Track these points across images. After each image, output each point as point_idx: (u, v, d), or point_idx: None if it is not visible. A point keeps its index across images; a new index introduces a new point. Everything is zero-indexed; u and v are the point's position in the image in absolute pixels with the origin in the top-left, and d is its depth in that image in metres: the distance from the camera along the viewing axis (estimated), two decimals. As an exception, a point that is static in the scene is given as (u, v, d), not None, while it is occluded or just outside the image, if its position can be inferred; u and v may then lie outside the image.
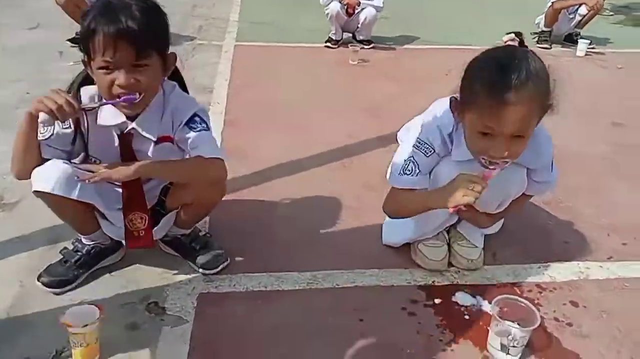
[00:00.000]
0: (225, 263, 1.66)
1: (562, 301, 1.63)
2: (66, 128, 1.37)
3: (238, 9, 5.63)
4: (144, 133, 1.42)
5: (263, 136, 2.65)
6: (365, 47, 4.28)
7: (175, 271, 1.66)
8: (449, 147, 1.53)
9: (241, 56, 4.00)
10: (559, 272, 1.77)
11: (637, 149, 2.76)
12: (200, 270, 1.64)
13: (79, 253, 1.57)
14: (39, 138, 1.34)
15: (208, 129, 1.47)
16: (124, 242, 1.57)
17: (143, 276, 1.63)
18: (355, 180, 2.28)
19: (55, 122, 1.36)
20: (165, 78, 1.46)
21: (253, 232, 1.88)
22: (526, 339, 1.37)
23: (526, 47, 1.42)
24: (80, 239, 1.60)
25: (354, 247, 1.83)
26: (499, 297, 1.43)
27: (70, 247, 1.61)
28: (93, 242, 1.59)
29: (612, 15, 6.40)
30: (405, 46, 4.58)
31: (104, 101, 1.33)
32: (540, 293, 1.66)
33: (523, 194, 1.68)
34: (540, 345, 1.46)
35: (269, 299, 1.57)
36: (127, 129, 1.42)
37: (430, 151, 1.53)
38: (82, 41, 1.29)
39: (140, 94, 1.31)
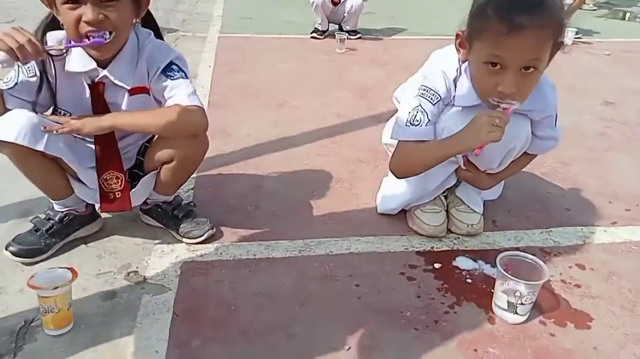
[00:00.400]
0: (211, 231, 1.55)
1: (568, 264, 1.55)
2: (31, 76, 1.26)
3: (222, 6, 5.54)
4: (117, 81, 1.31)
5: (248, 116, 2.54)
6: (352, 37, 4.22)
7: (157, 241, 1.55)
8: (452, 94, 1.44)
9: (225, 46, 3.90)
10: (563, 236, 1.69)
11: (630, 125, 2.71)
12: (184, 239, 1.53)
13: (52, 221, 1.45)
14: (1, 87, 1.23)
15: (186, 77, 1.36)
16: (97, 205, 1.45)
17: (122, 247, 1.52)
18: (346, 154, 2.19)
19: (19, 69, 1.25)
20: (140, 25, 1.36)
21: (239, 205, 1.77)
22: (534, 296, 1.28)
23: None
24: (53, 207, 1.48)
25: (348, 216, 1.73)
26: (502, 254, 1.33)
27: (42, 216, 1.48)
28: (66, 209, 1.47)
29: (595, 10, 6.46)
30: (392, 37, 4.53)
31: (71, 42, 1.21)
32: (545, 256, 1.57)
33: (525, 153, 1.60)
34: (548, 306, 1.37)
35: (259, 266, 1.47)
36: (99, 78, 1.31)
37: (437, 98, 1.44)
38: None
39: (110, 34, 1.20)
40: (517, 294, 1.27)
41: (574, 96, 3.03)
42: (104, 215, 1.61)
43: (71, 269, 1.20)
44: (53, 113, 1.33)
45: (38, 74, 1.26)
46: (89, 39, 1.19)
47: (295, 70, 3.41)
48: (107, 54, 1.27)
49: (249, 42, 4.08)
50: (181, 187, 1.62)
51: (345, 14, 4.20)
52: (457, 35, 1.38)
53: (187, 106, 1.31)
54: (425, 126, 1.46)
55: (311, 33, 4.29)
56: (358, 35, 4.31)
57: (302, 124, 2.49)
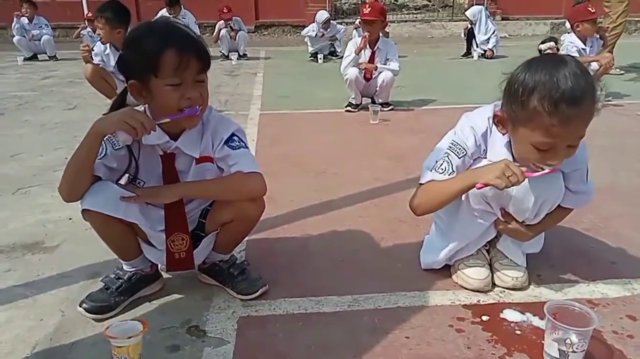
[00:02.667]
0: (264, 288, 1.64)
1: (619, 315, 1.55)
2: (118, 149, 1.44)
3: (261, 87, 5.96)
4: (187, 151, 1.49)
5: (291, 183, 2.70)
6: (385, 109, 4.44)
7: (214, 298, 1.65)
8: (482, 148, 1.56)
9: (266, 122, 4.18)
10: (610, 288, 1.69)
11: (670, 180, 2.71)
12: (239, 296, 1.63)
13: (120, 280, 1.58)
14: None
15: (246, 146, 1.53)
16: (164, 265, 1.58)
17: (182, 304, 1.62)
18: (386, 215, 2.28)
19: (107, 143, 1.44)
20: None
21: (288, 264, 1.87)
22: (586, 344, 1.29)
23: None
24: (122, 267, 1.62)
25: (393, 273, 1.80)
26: (550, 302, 1.36)
27: (112, 275, 1.62)
28: (134, 269, 1.60)
29: (622, 74, 6.57)
30: (423, 107, 4.73)
31: (170, 116, 1.39)
32: (593, 308, 1.58)
33: (560, 206, 1.66)
34: (601, 356, 1.37)
35: (310, 320, 1.53)
36: (171, 149, 1.48)
37: (463, 152, 1.56)
38: (143, 61, 1.36)
39: (199, 107, 1.40)
40: (568, 342, 1.28)
41: (610, 154, 3.08)
42: (165, 275, 1.73)
43: (142, 321, 1.31)
44: (129, 182, 1.50)
45: (125, 147, 1.44)
46: (183, 112, 1.38)
47: (333, 141, 3.60)
48: (196, 124, 1.46)
49: (287, 118, 4.36)
50: (235, 248, 1.74)
51: (377, 88, 4.46)
52: (496, 116, 1.50)
53: (247, 172, 1.47)
54: (448, 175, 1.58)
55: (345, 107, 4.55)
56: (390, 107, 4.54)
57: (342, 188, 2.62)
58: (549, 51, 1.40)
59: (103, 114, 1.44)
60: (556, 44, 1.45)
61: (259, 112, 4.59)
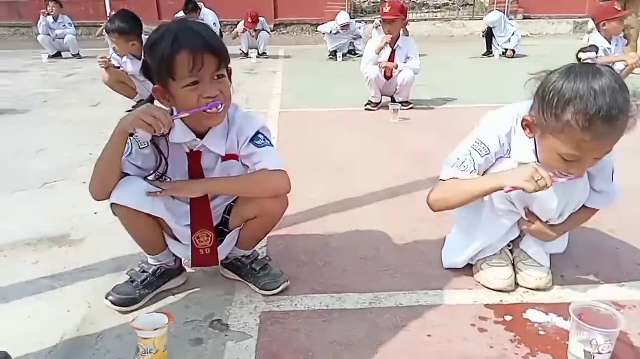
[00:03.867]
0: (286, 284, 1.65)
1: (645, 318, 1.52)
2: (143, 148, 1.46)
3: (280, 85, 5.98)
4: (212, 149, 1.50)
5: (312, 180, 2.71)
6: (405, 108, 4.42)
7: (237, 293, 1.66)
8: (506, 148, 1.54)
9: (286, 120, 4.20)
10: (636, 290, 1.66)
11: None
12: (261, 291, 1.64)
13: (146, 274, 1.61)
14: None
15: (271, 144, 1.54)
16: (190, 260, 1.61)
17: (205, 298, 1.64)
18: (408, 214, 2.27)
19: (132, 142, 1.46)
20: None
21: (309, 261, 1.88)
22: (612, 346, 1.27)
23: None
24: (147, 261, 1.64)
25: (415, 271, 1.79)
26: (575, 303, 1.35)
27: (137, 269, 1.65)
28: (159, 263, 1.63)
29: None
30: (443, 106, 4.70)
31: (191, 110, 1.39)
32: (619, 310, 1.55)
33: (584, 206, 1.64)
34: (628, 359, 1.35)
35: (332, 317, 1.54)
36: (198, 147, 1.50)
37: (486, 152, 1.55)
38: (161, 66, 1.36)
39: (222, 105, 1.41)
40: (594, 343, 1.27)
41: (637, 155, 3.01)
42: (188, 269, 1.75)
43: (168, 314, 1.33)
44: (157, 178, 1.53)
45: (150, 146, 1.46)
46: (202, 107, 1.38)
47: (353, 139, 3.60)
48: (219, 122, 1.46)
49: (307, 116, 4.37)
50: (258, 244, 1.75)
51: (398, 87, 4.44)
52: (525, 120, 1.48)
53: (272, 170, 1.48)
54: (470, 173, 1.57)
55: (365, 106, 4.54)
56: (410, 106, 4.52)
57: (362, 187, 2.61)
58: (588, 61, 1.34)
59: (126, 112, 1.46)
60: (597, 53, 1.38)
61: (279, 110, 4.61)
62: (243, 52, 8.52)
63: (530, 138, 1.51)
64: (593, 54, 1.36)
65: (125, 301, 1.55)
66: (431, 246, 1.96)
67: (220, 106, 1.41)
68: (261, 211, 1.54)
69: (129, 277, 1.62)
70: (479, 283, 1.70)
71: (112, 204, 1.45)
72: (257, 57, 8.29)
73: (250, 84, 6.00)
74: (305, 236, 2.08)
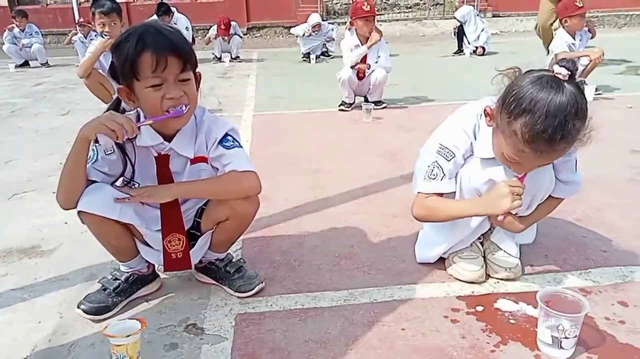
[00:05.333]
0: (261, 285, 1.66)
1: (610, 302, 1.57)
2: (109, 154, 1.45)
3: (254, 88, 5.97)
4: (181, 152, 1.49)
5: (286, 182, 2.72)
6: (378, 107, 4.46)
7: (212, 297, 1.66)
8: (472, 145, 1.58)
9: (259, 122, 4.20)
10: (602, 276, 1.72)
11: (660, 170, 2.75)
12: (236, 293, 1.64)
13: (118, 281, 1.59)
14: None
15: (240, 146, 1.54)
16: (162, 265, 1.59)
17: (180, 303, 1.63)
18: (381, 211, 2.30)
19: (97, 149, 1.45)
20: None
21: (284, 261, 1.88)
22: (577, 330, 1.31)
23: (574, 78, 1.36)
24: (119, 268, 1.63)
25: (388, 267, 1.81)
26: (542, 290, 1.39)
27: (109, 276, 1.63)
28: (131, 270, 1.61)
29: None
30: (416, 105, 4.76)
31: (154, 117, 1.40)
32: (586, 296, 1.60)
33: (551, 196, 1.68)
34: (594, 342, 1.39)
35: (307, 315, 1.55)
36: (165, 150, 1.49)
37: (451, 155, 1.59)
38: (125, 66, 1.36)
39: (186, 106, 1.40)
40: (560, 328, 1.31)
41: (601, 146, 3.07)
42: (162, 275, 1.74)
43: (140, 320, 1.32)
44: (124, 184, 1.51)
45: (117, 151, 1.45)
46: (168, 112, 1.38)
47: (327, 140, 3.62)
48: (183, 124, 1.46)
49: (281, 118, 4.37)
50: (231, 247, 1.75)
51: (370, 86, 4.48)
52: (486, 111, 1.51)
53: (242, 171, 1.48)
54: (441, 180, 1.62)
55: (339, 106, 4.57)
56: (383, 105, 4.56)
57: (337, 186, 2.63)
58: (559, 76, 1.36)
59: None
60: (574, 71, 1.38)
61: (253, 113, 4.60)
62: (216, 56, 8.47)
63: (489, 126, 1.54)
64: (566, 72, 1.34)
65: (98, 309, 1.53)
66: (404, 241, 1.99)
67: (184, 108, 1.41)
68: (232, 213, 1.54)
69: (100, 285, 1.60)
70: (451, 275, 1.73)
71: (79, 212, 1.43)
72: (230, 61, 8.25)
73: (224, 88, 5.98)
74: (280, 237, 2.09)
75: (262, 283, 1.67)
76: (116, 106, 1.49)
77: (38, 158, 3.33)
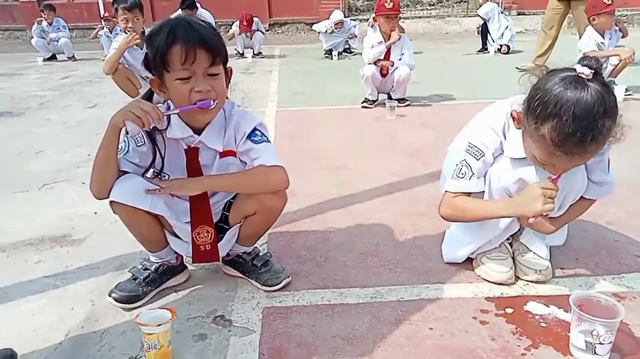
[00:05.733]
0: (287, 280, 1.67)
1: (645, 308, 1.54)
2: (140, 145, 1.47)
3: (276, 84, 5.99)
4: (210, 145, 1.51)
5: (309, 177, 2.72)
6: (401, 104, 4.43)
7: (239, 289, 1.67)
8: (502, 144, 1.55)
9: (282, 118, 4.21)
10: (636, 281, 1.68)
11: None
12: (263, 287, 1.65)
13: (148, 271, 1.62)
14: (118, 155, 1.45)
15: (268, 140, 1.54)
16: (190, 257, 1.61)
17: (207, 294, 1.65)
18: (406, 209, 2.29)
19: (129, 140, 1.46)
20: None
21: (310, 256, 1.88)
22: (613, 336, 1.29)
23: (599, 76, 1.32)
24: (149, 258, 1.65)
25: (415, 265, 1.80)
26: (575, 294, 1.36)
27: (139, 266, 1.65)
28: (161, 260, 1.63)
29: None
30: (440, 103, 4.71)
31: (182, 107, 1.41)
32: (619, 301, 1.56)
33: (582, 198, 1.65)
34: (629, 349, 1.36)
35: (334, 311, 1.55)
36: (195, 143, 1.51)
37: (481, 154, 1.56)
38: (157, 58, 1.38)
39: (213, 101, 1.41)
40: (595, 333, 1.28)
41: (634, 149, 3.03)
42: (190, 267, 1.76)
43: (171, 310, 1.34)
44: (155, 176, 1.53)
45: (147, 143, 1.47)
46: (195, 104, 1.39)
47: (350, 137, 3.61)
48: (210, 118, 1.47)
49: (304, 114, 4.38)
50: (258, 241, 1.76)
51: (394, 84, 4.46)
52: (512, 115, 1.49)
53: (270, 166, 1.48)
54: (470, 179, 1.59)
55: (362, 103, 4.55)
56: (407, 103, 4.53)
57: (361, 183, 2.63)
58: (582, 75, 1.32)
59: None
60: (598, 68, 1.33)
61: (276, 109, 4.61)
62: (239, 52, 8.52)
63: (517, 129, 1.52)
64: (588, 71, 1.29)
65: (128, 298, 1.56)
66: (431, 240, 1.97)
67: (212, 103, 1.41)
68: (261, 207, 1.54)
69: (131, 274, 1.63)
70: (479, 276, 1.71)
71: (111, 202, 1.45)
72: (252, 57, 8.29)
73: (247, 84, 6.00)
74: (305, 232, 2.09)
75: (288, 277, 1.67)
76: (149, 97, 1.50)
77: (67, 149, 3.40)
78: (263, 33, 8.78)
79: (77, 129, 4.00)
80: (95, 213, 2.29)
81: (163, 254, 1.63)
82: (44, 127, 4.14)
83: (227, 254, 1.70)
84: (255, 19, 8.50)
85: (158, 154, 1.48)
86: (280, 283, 1.64)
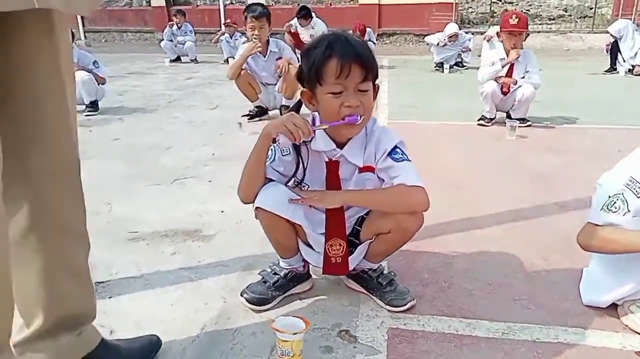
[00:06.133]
0: (412, 302, 1.63)
1: None
2: (285, 154, 1.52)
3: (386, 95, 5.97)
4: (351, 159, 1.52)
5: (429, 195, 2.64)
6: (522, 125, 4.19)
7: (361, 305, 1.67)
8: None
9: (394, 131, 4.16)
10: None
11: None
12: (387, 306, 1.63)
13: (277, 275, 1.67)
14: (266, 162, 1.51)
15: (409, 159, 1.52)
16: (318, 266, 1.64)
17: (331, 306, 1.66)
18: (534, 240, 2.14)
19: (276, 149, 1.52)
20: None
21: (433, 280, 1.83)
22: None
23: None
24: (278, 263, 1.70)
25: (550, 304, 1.67)
26: None
27: (268, 270, 1.71)
28: (290, 267, 1.68)
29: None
30: (565, 125, 4.39)
31: (329, 123, 1.45)
32: None
33: None
34: None
35: (462, 343, 1.48)
36: (336, 156, 1.53)
37: None
38: (312, 71, 1.43)
39: (360, 117, 1.43)
40: None
41: None
42: (313, 276, 1.79)
43: (303, 319, 1.36)
44: (295, 185, 1.58)
45: (292, 153, 1.52)
46: (344, 119, 1.42)
47: (468, 155, 3.49)
48: (355, 133, 1.49)
49: (416, 128, 4.31)
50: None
51: (516, 102, 4.23)
52: None
53: (410, 185, 1.46)
54: (623, 215, 1.45)
55: (478, 120, 4.38)
56: (528, 124, 4.28)
57: (482, 206, 2.51)
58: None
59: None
60: None
61: (387, 121, 4.59)
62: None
63: None
64: None
65: (259, 300, 1.62)
66: (565, 277, 1.82)
67: (359, 119, 1.43)
68: (396, 226, 1.52)
69: (261, 277, 1.69)
70: (627, 326, 1.55)
71: (256, 208, 1.51)
72: (361, 66, 8.34)
73: (357, 93, 6.04)
74: (427, 253, 2.03)
75: (413, 300, 1.64)
76: (297, 108, 1.56)
77: (193, 147, 3.65)
78: (374, 44, 8.83)
79: (201, 129, 4.29)
80: (222, 211, 2.43)
81: (293, 262, 1.67)
82: (172, 125, 4.49)
83: (353, 269, 1.71)
84: (367, 29, 8.58)
85: (301, 165, 1.52)
86: (406, 304, 1.61)
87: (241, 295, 1.65)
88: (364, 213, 1.64)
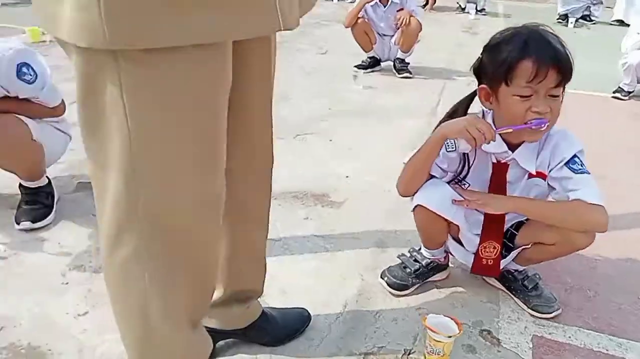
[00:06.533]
0: (559, 311, 1.57)
1: None
2: (450, 151, 1.45)
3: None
4: (522, 164, 1.44)
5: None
6: (666, 103, 3.75)
7: (502, 305, 1.64)
8: None
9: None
10: None
11: None
12: (531, 311, 1.58)
13: (418, 263, 1.67)
14: None
15: (588, 172, 1.41)
16: (466, 264, 1.62)
17: (470, 301, 1.65)
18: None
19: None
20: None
21: (577, 286, 1.74)
22: None
23: None
24: (419, 250, 1.69)
25: None
26: None
27: (408, 255, 1.71)
28: (433, 258, 1.67)
29: None
30: None
31: (514, 126, 1.36)
32: None
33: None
34: None
35: (614, 364, 1.42)
36: (507, 159, 1.45)
37: None
38: (500, 69, 1.33)
39: (545, 124, 1.32)
40: None
41: None
42: (450, 264, 1.77)
43: (456, 322, 1.36)
44: (455, 182, 1.52)
45: (458, 151, 1.45)
46: (529, 124, 1.33)
47: (601, 134, 3.18)
48: (537, 139, 1.40)
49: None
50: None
51: (665, 77, 3.76)
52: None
53: (590, 203, 1.35)
54: None
55: (614, 92, 3.97)
56: (675, 102, 3.81)
57: (626, 201, 2.31)
58: None
59: (446, 114, 1.48)
60: None
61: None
62: (460, 6, 8.04)
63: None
64: None
65: (399, 286, 1.64)
66: None
67: (544, 125, 1.32)
68: (564, 241, 1.44)
69: (401, 262, 1.70)
70: None
71: (417, 206, 1.48)
72: (475, 13, 7.75)
73: (472, 47, 5.64)
74: (572, 257, 1.92)
75: (559, 309, 1.58)
76: (468, 103, 1.48)
77: (307, 99, 3.64)
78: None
79: (313, 76, 4.25)
80: (347, 176, 2.44)
81: (437, 253, 1.65)
82: (284, 72, 4.47)
83: (497, 266, 1.66)
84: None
85: (466, 164, 1.46)
86: (552, 313, 1.56)
87: (381, 277, 1.67)
88: (523, 218, 1.56)
